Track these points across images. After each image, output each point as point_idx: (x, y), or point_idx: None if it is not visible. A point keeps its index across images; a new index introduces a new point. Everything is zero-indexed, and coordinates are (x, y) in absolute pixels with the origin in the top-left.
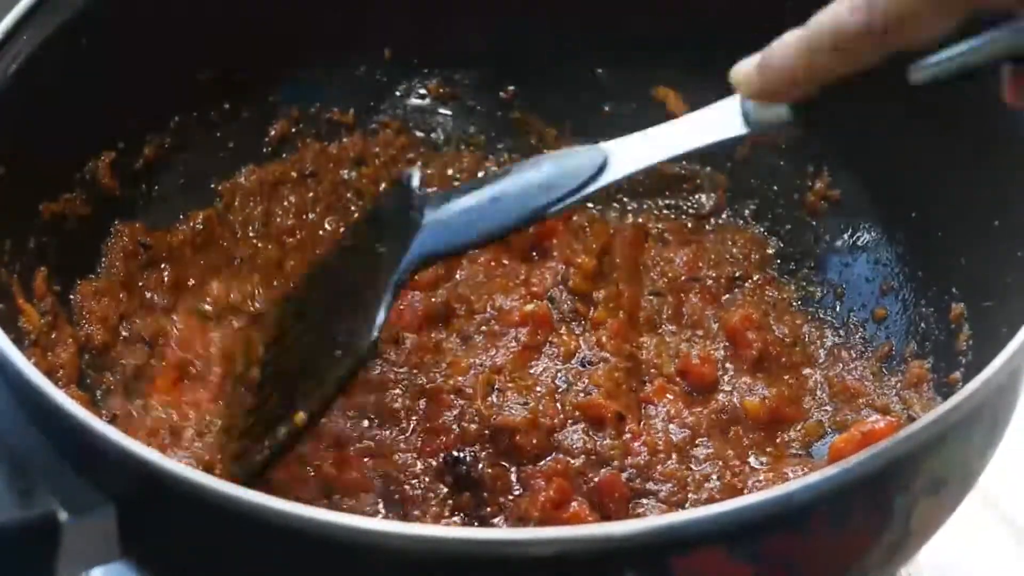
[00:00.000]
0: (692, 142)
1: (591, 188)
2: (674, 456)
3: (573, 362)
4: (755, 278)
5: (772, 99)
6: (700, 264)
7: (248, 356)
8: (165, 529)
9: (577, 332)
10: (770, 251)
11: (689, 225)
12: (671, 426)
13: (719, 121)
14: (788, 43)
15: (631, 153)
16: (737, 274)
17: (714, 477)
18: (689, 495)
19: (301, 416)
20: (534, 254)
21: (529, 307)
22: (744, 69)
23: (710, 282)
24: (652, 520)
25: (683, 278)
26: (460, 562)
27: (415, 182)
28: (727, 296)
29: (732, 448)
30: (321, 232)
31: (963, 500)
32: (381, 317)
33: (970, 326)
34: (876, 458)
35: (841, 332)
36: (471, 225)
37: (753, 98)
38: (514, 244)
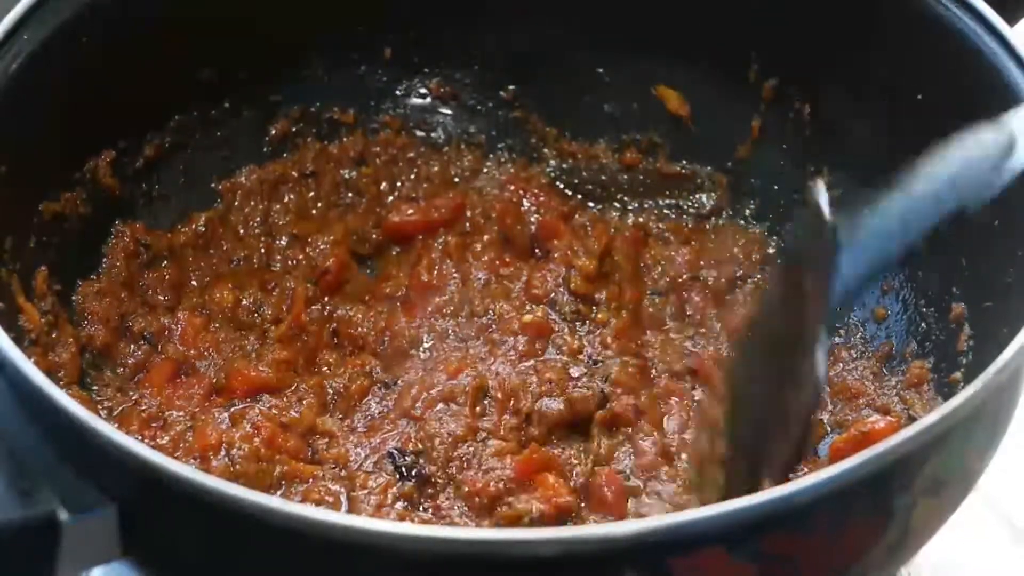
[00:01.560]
0: None
1: (1004, 174)
2: (683, 456)
3: (580, 359)
4: (756, 277)
5: None
6: (701, 263)
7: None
8: (166, 529)
9: (581, 333)
10: (771, 250)
11: (690, 225)
12: (672, 423)
13: None
14: None
15: None
16: (738, 273)
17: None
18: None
19: (767, 483)
20: (536, 252)
21: (527, 317)
22: None
23: (711, 281)
24: (652, 520)
25: (684, 277)
26: (460, 562)
27: (823, 201)
28: (728, 296)
29: None
30: (320, 233)
31: (963, 501)
32: (822, 368)
33: (970, 326)
34: (876, 458)
35: (841, 332)
36: (888, 243)
37: None
38: (516, 244)
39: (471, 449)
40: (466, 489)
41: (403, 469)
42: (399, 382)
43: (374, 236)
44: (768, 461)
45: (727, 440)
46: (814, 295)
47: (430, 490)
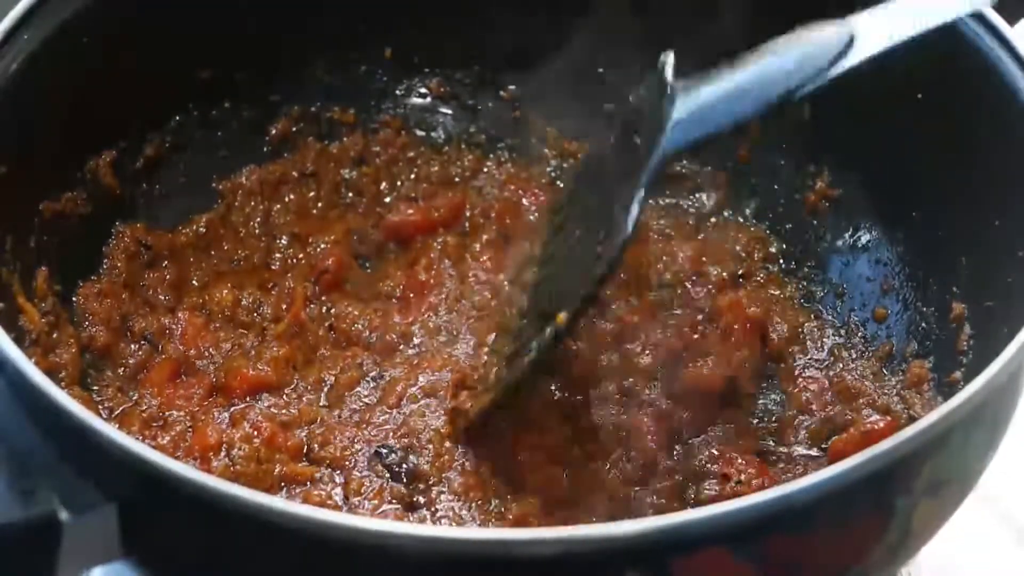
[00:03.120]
0: (941, 14)
1: (839, 67)
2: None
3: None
4: (759, 276)
5: None
6: (704, 259)
7: (521, 262)
8: (166, 529)
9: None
10: (772, 249)
11: (691, 222)
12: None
13: None
14: None
15: (878, 28)
16: (740, 271)
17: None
18: (689, 493)
19: (563, 316)
20: None
21: None
22: None
23: (714, 277)
24: (652, 520)
25: (687, 274)
26: (460, 562)
27: (668, 71)
28: (731, 291)
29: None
30: (321, 233)
31: (963, 501)
32: (635, 212)
33: (971, 326)
34: (877, 458)
35: (841, 332)
36: (721, 113)
37: None
38: (516, 243)
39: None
40: (458, 483)
41: (393, 468)
42: (386, 376)
43: (374, 236)
44: (566, 299)
45: (536, 269)
46: (642, 151)
47: (422, 486)
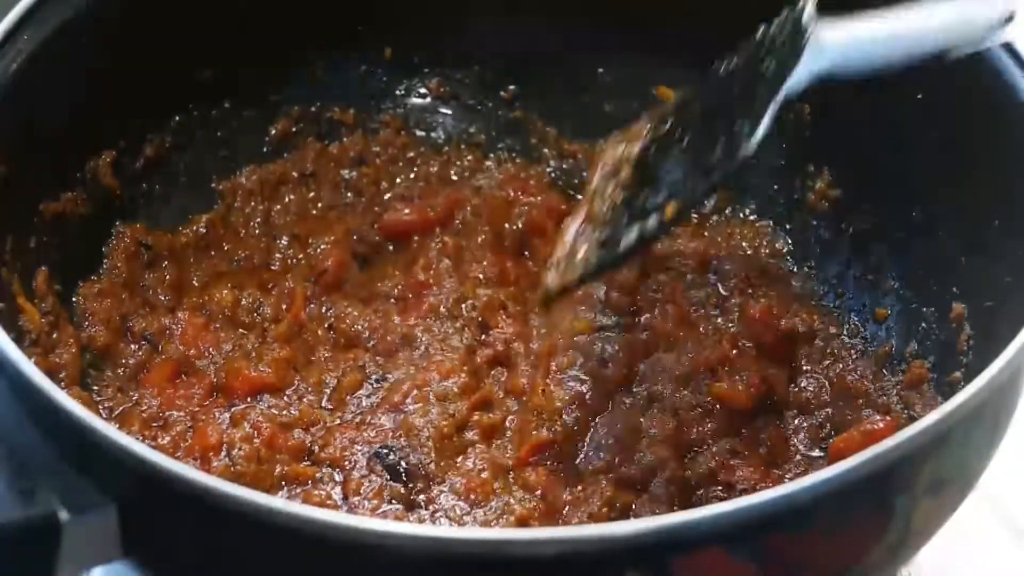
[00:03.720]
0: None
1: (993, 40)
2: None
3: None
4: (769, 272)
5: None
6: (711, 252)
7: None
8: (166, 529)
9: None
10: (778, 244)
11: (694, 220)
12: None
13: None
14: None
15: None
16: (743, 273)
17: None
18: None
19: (673, 207)
20: (526, 252)
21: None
22: None
23: (725, 270)
24: (652, 520)
25: (697, 269)
26: (460, 562)
27: (808, 12)
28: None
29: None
30: (320, 233)
31: (963, 501)
32: (760, 132)
33: (971, 326)
34: (876, 458)
35: (842, 332)
36: (865, 54)
37: None
38: (510, 242)
39: (457, 442)
40: (460, 484)
41: (392, 467)
42: (389, 378)
43: (373, 236)
44: (677, 192)
45: (635, 167)
46: (774, 75)
47: (421, 485)
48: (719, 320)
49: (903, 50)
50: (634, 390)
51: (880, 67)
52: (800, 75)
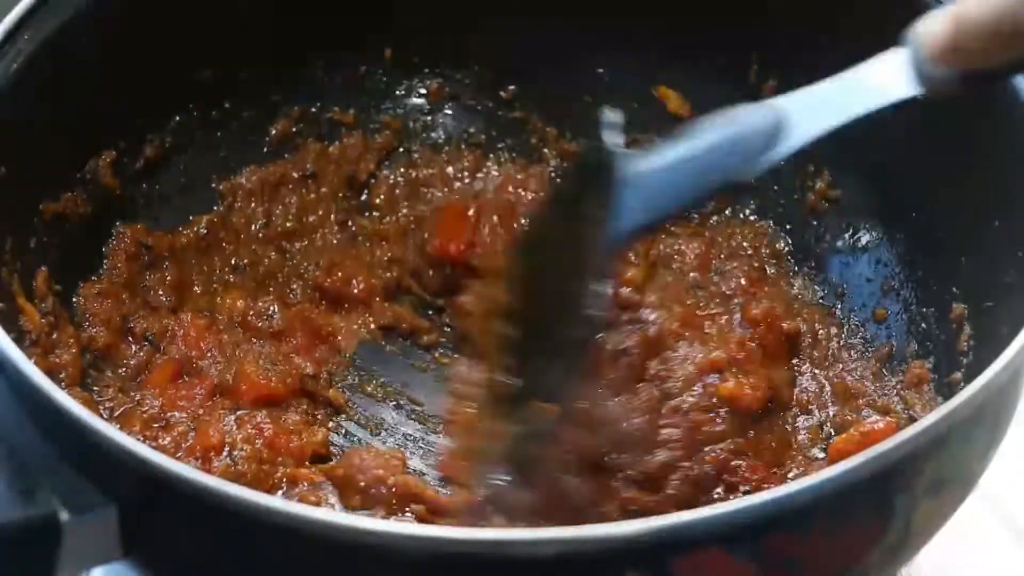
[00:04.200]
0: (867, 102)
1: (770, 157)
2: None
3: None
4: (771, 272)
5: (957, 61)
6: (712, 252)
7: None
8: (166, 529)
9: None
10: (779, 245)
11: (694, 220)
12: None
13: (890, 79)
14: None
15: (809, 114)
16: (745, 270)
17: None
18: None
19: (554, 410)
20: None
21: None
22: (933, 21)
23: (726, 271)
24: (652, 520)
25: (695, 270)
26: (460, 562)
27: (612, 136)
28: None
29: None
30: (321, 234)
31: (963, 501)
32: (602, 300)
33: (971, 326)
34: (877, 458)
35: (842, 332)
36: (667, 198)
37: (936, 56)
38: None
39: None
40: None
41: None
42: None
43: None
44: (548, 379)
45: (510, 324)
46: (593, 224)
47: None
48: (723, 321)
49: (693, 189)
50: (641, 389)
51: (672, 215)
52: (615, 234)
